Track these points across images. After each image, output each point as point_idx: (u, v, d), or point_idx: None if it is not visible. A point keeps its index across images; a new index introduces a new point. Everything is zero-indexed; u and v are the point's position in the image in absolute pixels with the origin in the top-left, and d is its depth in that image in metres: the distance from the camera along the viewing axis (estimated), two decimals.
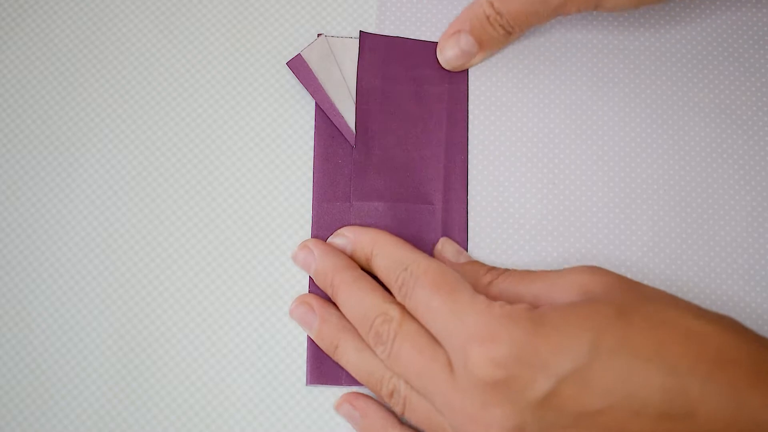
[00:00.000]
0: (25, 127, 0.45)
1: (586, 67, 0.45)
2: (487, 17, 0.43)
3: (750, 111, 0.45)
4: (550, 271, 0.39)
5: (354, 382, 0.41)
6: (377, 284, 0.40)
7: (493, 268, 0.41)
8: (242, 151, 0.44)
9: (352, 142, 0.44)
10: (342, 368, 0.41)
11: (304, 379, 0.41)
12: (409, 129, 0.44)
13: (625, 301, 0.36)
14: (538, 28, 0.46)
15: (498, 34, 0.43)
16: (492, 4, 0.43)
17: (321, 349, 0.41)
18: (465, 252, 0.42)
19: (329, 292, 0.41)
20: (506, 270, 0.40)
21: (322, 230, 0.43)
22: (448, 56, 0.44)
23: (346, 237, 0.42)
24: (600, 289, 0.37)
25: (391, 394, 0.38)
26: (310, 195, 0.44)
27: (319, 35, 0.45)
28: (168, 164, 0.44)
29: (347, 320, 0.40)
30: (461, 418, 0.35)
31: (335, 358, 0.40)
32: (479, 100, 0.45)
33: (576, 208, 0.43)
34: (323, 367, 0.41)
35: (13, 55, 0.46)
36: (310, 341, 0.42)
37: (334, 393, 0.41)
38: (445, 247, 0.42)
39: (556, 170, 0.44)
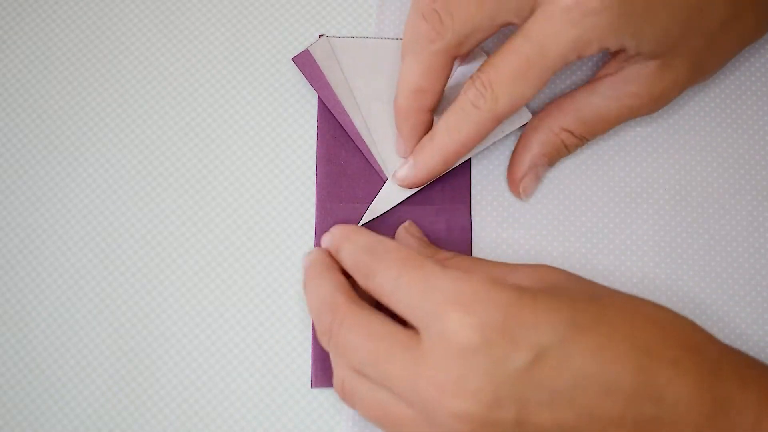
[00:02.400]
0: (25, 127, 0.45)
1: (587, 67, 0.45)
2: (567, 147, 0.42)
3: (750, 111, 0.45)
4: (505, 263, 0.39)
5: None
6: (343, 282, 0.37)
7: (447, 252, 0.40)
8: (244, 153, 0.44)
9: (356, 141, 0.44)
10: None
11: (308, 382, 0.41)
12: None
13: (591, 289, 0.36)
14: None
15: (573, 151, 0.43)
16: (574, 135, 0.41)
17: (325, 352, 0.41)
18: (424, 238, 0.42)
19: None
20: (458, 254, 0.40)
21: (325, 231, 0.43)
22: (529, 191, 0.43)
23: (331, 234, 0.40)
24: (559, 280, 0.37)
25: (342, 387, 0.36)
26: (312, 196, 0.44)
27: (320, 36, 0.45)
28: (169, 165, 0.44)
29: None
30: (432, 395, 0.32)
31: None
32: None
33: (577, 207, 0.43)
34: (328, 370, 0.41)
35: (13, 55, 0.46)
36: (315, 343, 0.41)
37: (338, 396, 0.41)
38: (407, 229, 0.42)
39: (557, 170, 0.44)
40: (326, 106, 0.44)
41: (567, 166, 0.44)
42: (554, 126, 0.41)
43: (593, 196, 0.44)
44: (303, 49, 0.45)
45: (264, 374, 0.42)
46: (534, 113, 0.43)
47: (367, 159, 0.44)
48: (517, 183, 0.42)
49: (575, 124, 0.41)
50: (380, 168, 0.43)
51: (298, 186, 0.44)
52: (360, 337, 0.34)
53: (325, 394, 0.41)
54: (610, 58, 0.41)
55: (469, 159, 0.44)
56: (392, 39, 0.45)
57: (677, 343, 0.34)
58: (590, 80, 0.41)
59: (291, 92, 0.45)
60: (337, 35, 0.46)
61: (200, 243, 0.43)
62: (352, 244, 0.37)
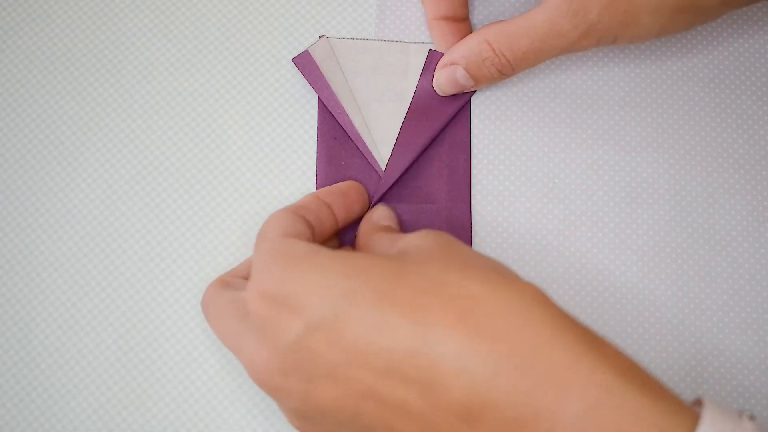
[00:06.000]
0: (25, 127, 0.45)
1: (587, 66, 0.46)
2: (484, 60, 0.42)
3: (750, 111, 0.45)
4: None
5: None
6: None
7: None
8: (245, 153, 0.44)
9: (356, 141, 0.44)
10: None
11: None
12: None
13: (427, 259, 0.34)
14: None
15: (494, 74, 0.42)
16: (492, 48, 0.41)
17: None
18: (394, 220, 0.42)
19: None
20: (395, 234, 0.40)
21: None
22: (441, 84, 0.44)
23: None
24: (421, 246, 0.35)
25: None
26: None
27: (320, 37, 0.45)
28: (169, 165, 0.44)
29: None
30: (242, 359, 0.35)
31: None
32: (481, 101, 0.45)
33: (577, 207, 0.44)
34: None
35: (13, 55, 0.46)
36: None
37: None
38: (377, 210, 0.42)
39: (557, 170, 0.44)
40: (326, 107, 0.44)
41: (567, 165, 0.44)
42: (481, 36, 0.42)
43: (593, 195, 0.44)
44: (303, 50, 0.45)
45: None
46: None
47: (367, 159, 0.44)
48: (436, 73, 0.44)
49: (497, 36, 0.41)
50: (380, 168, 0.43)
51: (298, 186, 0.44)
52: (212, 298, 0.38)
53: None
54: None
55: (469, 159, 0.44)
56: (392, 41, 0.45)
57: (471, 321, 0.30)
58: None
59: (291, 93, 0.45)
60: (337, 36, 0.46)
61: (201, 243, 0.43)
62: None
